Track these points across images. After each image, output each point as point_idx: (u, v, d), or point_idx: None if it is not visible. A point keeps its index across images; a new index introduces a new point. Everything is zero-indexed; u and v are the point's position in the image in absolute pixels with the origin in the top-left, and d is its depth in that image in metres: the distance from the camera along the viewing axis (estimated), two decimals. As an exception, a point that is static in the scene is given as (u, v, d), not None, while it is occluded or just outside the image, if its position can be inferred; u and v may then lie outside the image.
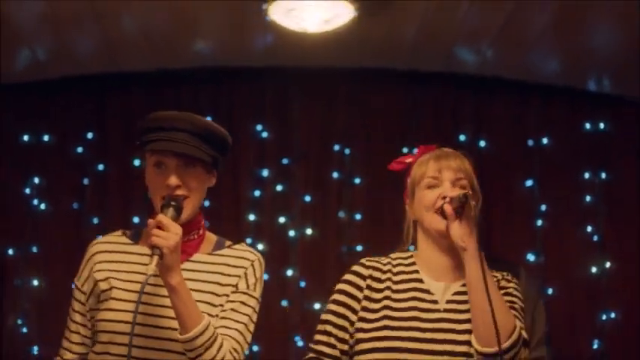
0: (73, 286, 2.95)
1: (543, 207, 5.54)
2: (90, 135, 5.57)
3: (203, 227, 2.93)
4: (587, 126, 5.65)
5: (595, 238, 5.53)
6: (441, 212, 2.74)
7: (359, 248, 5.45)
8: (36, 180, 5.52)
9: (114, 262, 2.87)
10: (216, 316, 2.80)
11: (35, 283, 5.40)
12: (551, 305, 5.44)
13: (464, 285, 2.72)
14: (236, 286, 2.82)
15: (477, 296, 2.63)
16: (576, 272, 5.48)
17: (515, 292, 2.80)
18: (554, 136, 5.63)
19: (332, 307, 2.82)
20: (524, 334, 2.68)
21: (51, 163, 5.55)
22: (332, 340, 2.80)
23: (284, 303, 5.35)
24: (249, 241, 5.45)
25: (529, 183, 5.57)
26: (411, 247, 2.98)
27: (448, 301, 2.73)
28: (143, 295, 2.68)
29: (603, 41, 4.90)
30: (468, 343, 2.68)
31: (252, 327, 2.84)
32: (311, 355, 2.82)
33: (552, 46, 5.05)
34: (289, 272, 5.43)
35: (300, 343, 5.06)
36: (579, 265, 5.48)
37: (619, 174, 5.59)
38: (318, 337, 2.83)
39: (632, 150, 5.62)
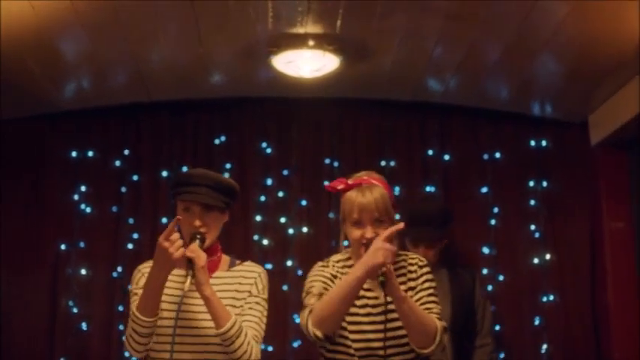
0: (135, 290, 3.29)
1: (496, 209, 5.68)
2: (126, 152, 5.70)
3: (220, 251, 3.37)
4: (532, 143, 5.74)
5: (537, 235, 5.66)
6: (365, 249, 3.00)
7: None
8: (82, 188, 5.65)
9: None
10: (239, 314, 3.17)
11: (83, 272, 5.53)
12: (501, 289, 5.56)
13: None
14: (249, 292, 3.26)
15: (403, 319, 2.97)
16: (522, 262, 5.62)
17: (429, 277, 3.15)
18: (504, 151, 5.74)
19: (316, 277, 3.13)
20: (441, 324, 3.03)
21: (94, 175, 5.69)
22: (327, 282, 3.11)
23: (284, 288, 5.46)
24: (256, 237, 5.58)
25: (484, 190, 5.70)
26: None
27: (383, 300, 3.05)
28: (184, 305, 3.12)
29: (545, 74, 5.03)
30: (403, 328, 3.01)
31: (264, 319, 3.27)
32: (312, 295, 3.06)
33: (503, 77, 5.16)
34: (289, 263, 5.54)
35: (297, 320, 4.93)
36: (524, 256, 5.63)
37: (557, 183, 5.71)
38: (312, 286, 3.10)
39: (569, 163, 5.68)
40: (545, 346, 5.49)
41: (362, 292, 3.10)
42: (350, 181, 3.16)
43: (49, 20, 4.14)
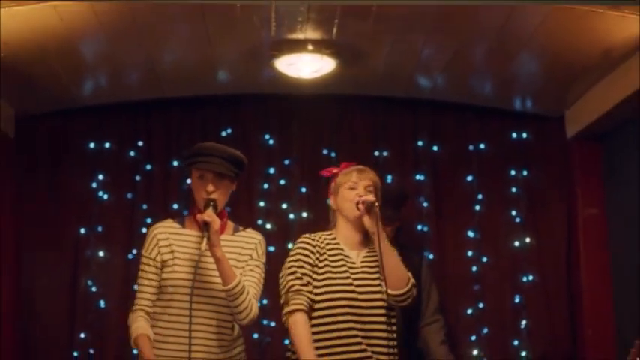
0: (143, 258, 3.59)
1: (480, 196, 5.73)
2: (140, 143, 5.75)
3: (226, 216, 3.65)
4: (514, 136, 5.80)
5: (518, 220, 5.72)
6: (357, 206, 3.43)
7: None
8: (100, 177, 5.70)
9: (171, 240, 3.58)
10: (240, 274, 3.49)
11: (101, 254, 5.60)
12: (485, 269, 5.63)
13: (368, 251, 3.46)
14: (250, 255, 3.61)
15: (386, 261, 3.38)
16: (504, 245, 5.69)
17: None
18: (488, 143, 5.80)
19: (299, 256, 3.50)
20: (413, 280, 3.53)
21: (111, 164, 5.74)
22: (307, 271, 3.48)
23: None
24: (259, 222, 5.59)
25: (469, 178, 5.76)
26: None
27: (362, 262, 3.53)
28: (195, 263, 3.44)
29: (525, 73, 5.10)
30: (378, 285, 3.43)
31: (262, 280, 3.65)
32: (294, 280, 3.45)
33: (487, 76, 5.24)
34: (289, 245, 5.35)
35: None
36: (506, 239, 5.69)
37: (537, 172, 5.75)
38: (294, 270, 3.47)
39: (547, 154, 5.72)
40: (524, 322, 5.58)
41: (341, 256, 3.54)
42: (345, 164, 3.68)
43: (72, 25, 4.23)
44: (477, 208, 5.77)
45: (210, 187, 3.50)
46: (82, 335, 5.55)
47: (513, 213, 5.76)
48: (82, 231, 5.68)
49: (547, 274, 5.68)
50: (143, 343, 3.50)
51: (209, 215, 3.39)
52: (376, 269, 3.47)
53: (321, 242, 3.58)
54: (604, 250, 5.45)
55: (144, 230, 5.47)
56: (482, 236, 5.73)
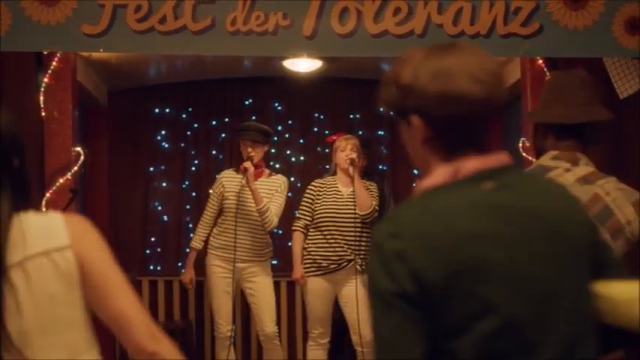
0: (211, 192, 4.96)
1: None
2: (190, 109, 6.73)
3: (263, 166, 4.99)
4: None
5: None
6: (347, 162, 4.76)
7: (327, 166, 6.07)
8: (162, 132, 6.73)
9: (228, 181, 4.98)
10: (270, 201, 4.86)
11: (164, 184, 6.72)
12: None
13: (352, 188, 4.78)
14: (277, 190, 4.91)
15: (357, 193, 4.75)
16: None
17: (373, 190, 4.94)
18: None
19: (305, 196, 4.96)
20: (376, 207, 4.82)
21: (169, 123, 6.74)
22: (307, 211, 4.87)
23: (290, 194, 5.65)
24: (271, 163, 6.31)
25: None
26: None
27: (348, 195, 4.82)
28: (239, 194, 4.86)
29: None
30: (354, 208, 4.78)
31: (283, 204, 4.94)
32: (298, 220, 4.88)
33: None
34: (292, 179, 6.39)
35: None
36: None
37: None
38: (302, 204, 4.93)
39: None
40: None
41: (334, 191, 4.82)
42: (338, 134, 4.97)
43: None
44: (419, 152, 6.87)
45: (250, 149, 4.84)
46: (152, 239, 6.78)
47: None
48: (151, 169, 6.75)
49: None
50: (191, 255, 5.03)
51: (247, 164, 4.75)
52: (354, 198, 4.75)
53: (324, 184, 4.82)
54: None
55: (193, 169, 6.83)
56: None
